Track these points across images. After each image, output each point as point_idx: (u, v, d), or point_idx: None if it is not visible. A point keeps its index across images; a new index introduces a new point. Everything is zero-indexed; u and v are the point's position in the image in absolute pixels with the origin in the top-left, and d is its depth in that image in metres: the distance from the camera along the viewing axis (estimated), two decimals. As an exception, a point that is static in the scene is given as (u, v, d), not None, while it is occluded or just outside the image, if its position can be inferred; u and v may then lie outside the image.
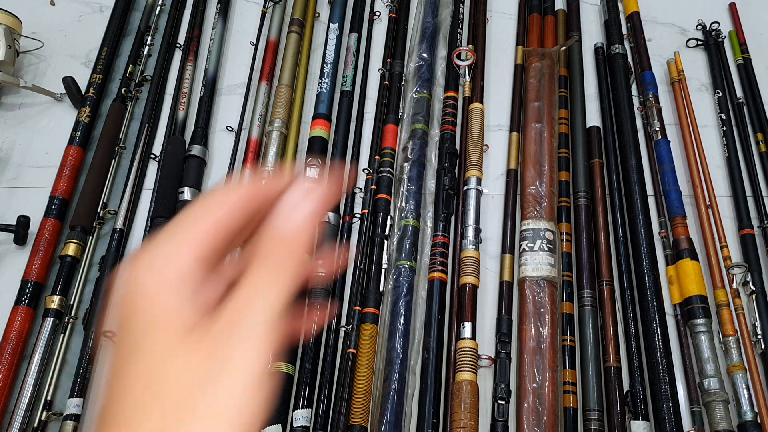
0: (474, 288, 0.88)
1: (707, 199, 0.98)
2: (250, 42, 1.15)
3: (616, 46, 1.13)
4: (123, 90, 1.09)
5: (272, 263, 0.27)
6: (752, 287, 0.88)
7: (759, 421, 0.79)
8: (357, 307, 0.87)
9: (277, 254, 0.27)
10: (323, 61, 1.12)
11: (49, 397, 0.83)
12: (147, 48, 1.15)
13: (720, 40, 1.16)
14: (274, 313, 0.26)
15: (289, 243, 0.27)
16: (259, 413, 0.25)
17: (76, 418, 0.81)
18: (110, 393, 0.25)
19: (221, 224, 0.27)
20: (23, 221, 0.94)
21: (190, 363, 0.24)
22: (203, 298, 0.26)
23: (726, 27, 1.18)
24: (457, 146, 1.02)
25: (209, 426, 0.24)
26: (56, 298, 0.88)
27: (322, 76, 1.10)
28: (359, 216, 0.95)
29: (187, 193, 0.97)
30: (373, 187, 0.97)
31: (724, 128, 1.06)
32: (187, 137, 1.05)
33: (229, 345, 0.25)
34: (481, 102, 1.06)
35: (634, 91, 1.10)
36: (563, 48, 1.11)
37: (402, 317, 0.85)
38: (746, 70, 1.12)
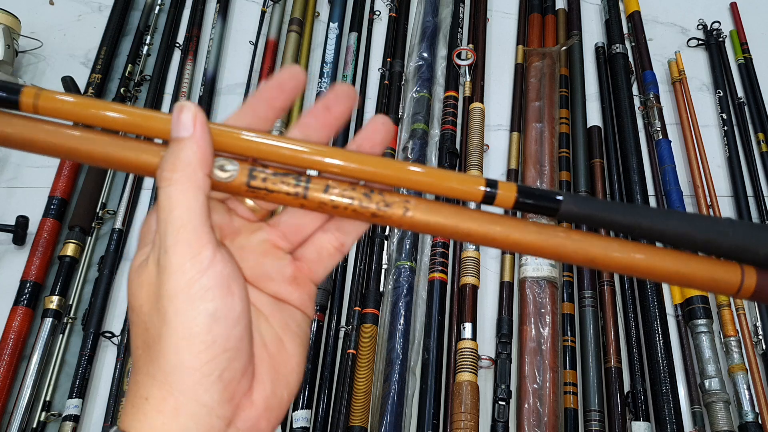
0: (474, 288, 0.87)
1: (708, 199, 0.97)
2: (250, 41, 1.15)
3: (617, 45, 1.12)
4: (122, 89, 1.08)
5: (158, 176, 0.27)
6: (753, 287, 0.88)
7: (760, 421, 0.79)
8: (357, 308, 0.86)
9: (161, 166, 0.27)
10: (323, 61, 1.12)
11: (48, 398, 0.83)
12: (146, 47, 1.15)
13: (721, 39, 1.15)
14: (178, 219, 0.26)
15: (169, 153, 0.27)
16: (226, 298, 0.26)
17: (75, 418, 0.80)
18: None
19: None
20: (22, 221, 0.94)
21: (146, 286, 0.27)
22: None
23: (727, 26, 1.17)
24: (458, 146, 1.02)
25: (176, 329, 0.26)
26: (55, 298, 0.88)
27: (321, 75, 1.10)
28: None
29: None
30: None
31: (725, 128, 1.05)
32: (187, 137, 1.04)
33: (156, 263, 0.27)
34: (482, 102, 1.06)
35: (634, 90, 1.09)
36: (564, 47, 1.11)
37: (402, 318, 0.85)
38: (747, 69, 1.12)
